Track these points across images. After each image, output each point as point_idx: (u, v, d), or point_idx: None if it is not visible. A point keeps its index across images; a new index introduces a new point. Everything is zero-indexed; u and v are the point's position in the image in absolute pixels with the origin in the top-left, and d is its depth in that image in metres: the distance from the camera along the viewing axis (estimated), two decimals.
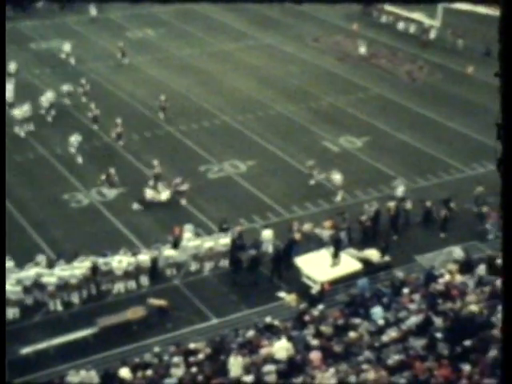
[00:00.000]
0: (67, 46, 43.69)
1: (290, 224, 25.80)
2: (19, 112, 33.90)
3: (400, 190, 28.39)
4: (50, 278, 22.47)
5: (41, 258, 23.65)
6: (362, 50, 44.85)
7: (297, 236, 25.01)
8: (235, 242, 24.86)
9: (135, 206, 28.13)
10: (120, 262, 23.27)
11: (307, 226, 25.66)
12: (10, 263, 22.54)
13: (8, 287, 21.24)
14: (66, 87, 37.17)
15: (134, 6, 52.32)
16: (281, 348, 18.52)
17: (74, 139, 31.82)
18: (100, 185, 29.25)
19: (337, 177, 29.00)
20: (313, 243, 25.11)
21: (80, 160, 31.45)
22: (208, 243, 24.63)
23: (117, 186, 29.10)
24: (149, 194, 28.43)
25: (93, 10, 51.67)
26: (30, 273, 22.58)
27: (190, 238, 24.89)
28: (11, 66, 39.92)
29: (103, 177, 29.22)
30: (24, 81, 39.63)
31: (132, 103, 37.94)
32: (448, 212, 26.45)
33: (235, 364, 18.08)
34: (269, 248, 25.21)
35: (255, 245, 24.70)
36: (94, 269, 23.33)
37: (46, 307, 22.53)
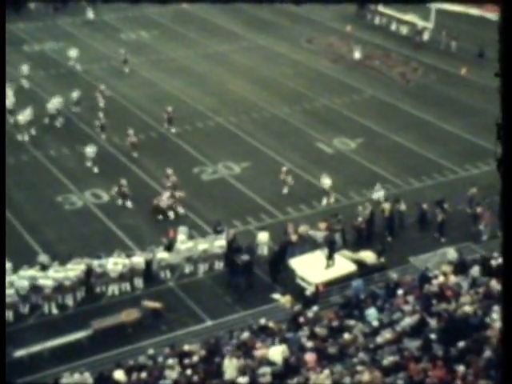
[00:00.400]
0: (73, 52, 42.93)
1: (286, 226, 25.80)
2: (22, 117, 33.61)
3: (378, 195, 28.33)
4: (46, 280, 22.42)
5: (42, 258, 23.62)
6: (357, 55, 44.62)
7: (293, 238, 24.99)
8: (231, 244, 24.84)
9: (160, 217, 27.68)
10: (116, 264, 23.25)
11: (303, 228, 25.65)
12: (7, 265, 22.45)
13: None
14: (75, 94, 36.43)
15: (127, 8, 52.21)
16: (276, 353, 18.49)
17: (90, 150, 31.20)
18: (114, 197, 28.70)
19: (326, 181, 28.81)
20: (307, 245, 25.12)
21: (96, 170, 30.95)
22: (202, 245, 24.62)
23: (129, 197, 28.34)
24: (163, 202, 27.85)
25: (90, 13, 51.37)
26: (24, 277, 22.49)
27: (183, 241, 24.86)
28: (24, 68, 39.70)
29: (115, 189, 28.63)
30: (18, 84, 39.49)
31: (125, 105, 37.89)
32: (444, 215, 26.44)
33: (230, 366, 18.03)
34: (264, 250, 25.21)
35: (250, 248, 24.68)
36: (89, 271, 23.32)
37: (41, 310, 22.49)
